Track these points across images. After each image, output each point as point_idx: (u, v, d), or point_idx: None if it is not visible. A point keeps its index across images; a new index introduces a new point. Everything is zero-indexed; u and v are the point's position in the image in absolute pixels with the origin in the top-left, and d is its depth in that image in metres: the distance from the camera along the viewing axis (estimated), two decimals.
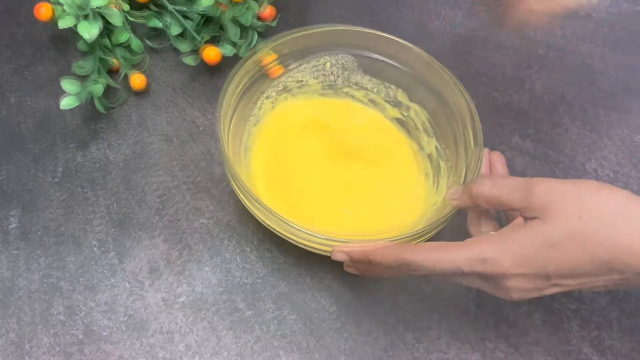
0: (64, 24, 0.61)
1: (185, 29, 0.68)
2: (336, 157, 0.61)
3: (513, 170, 0.65)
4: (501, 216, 0.61)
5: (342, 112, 0.64)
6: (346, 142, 0.63)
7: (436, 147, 0.60)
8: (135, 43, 0.68)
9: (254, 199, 0.49)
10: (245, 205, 0.52)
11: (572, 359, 0.56)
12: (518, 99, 0.71)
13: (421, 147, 0.62)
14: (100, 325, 0.54)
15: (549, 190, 0.44)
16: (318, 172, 0.60)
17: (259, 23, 0.69)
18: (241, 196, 0.52)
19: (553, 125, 0.69)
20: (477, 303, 0.57)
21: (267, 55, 0.59)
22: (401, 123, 0.63)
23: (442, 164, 0.59)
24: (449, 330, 0.56)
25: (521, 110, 0.70)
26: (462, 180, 0.54)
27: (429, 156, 0.61)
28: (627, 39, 0.76)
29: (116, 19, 0.64)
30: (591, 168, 0.66)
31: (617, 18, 0.78)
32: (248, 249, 0.58)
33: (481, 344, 0.56)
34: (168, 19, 0.69)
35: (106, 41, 0.66)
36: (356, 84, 0.63)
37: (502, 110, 0.70)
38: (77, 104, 0.61)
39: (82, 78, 0.64)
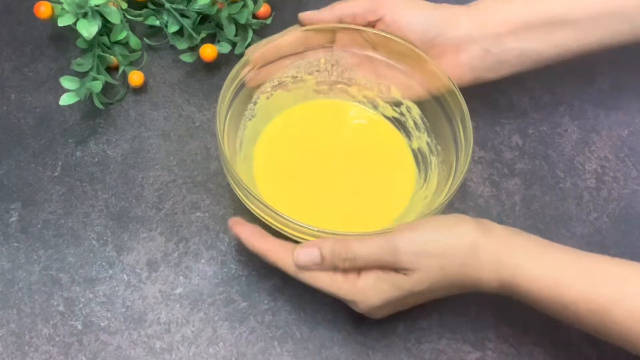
0: (63, 22, 0.65)
1: (182, 27, 0.72)
2: (332, 154, 0.66)
3: (513, 170, 0.69)
4: (502, 217, 0.67)
5: (337, 110, 0.69)
6: (342, 139, 0.68)
7: (428, 143, 0.65)
8: (134, 41, 0.72)
9: (250, 193, 0.54)
10: (241, 199, 0.57)
11: (572, 359, 0.60)
12: (518, 99, 0.75)
13: (414, 143, 0.66)
14: (98, 317, 0.59)
15: (413, 247, 0.51)
16: (314, 168, 0.65)
17: (255, 21, 0.73)
18: (237, 190, 0.56)
19: (553, 125, 0.73)
20: (477, 303, 0.61)
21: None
22: (396, 119, 0.67)
23: (433, 159, 0.64)
24: (449, 330, 0.60)
25: (521, 110, 0.74)
26: (451, 177, 0.60)
27: (421, 151, 0.65)
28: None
29: (115, 17, 0.68)
30: (591, 168, 0.70)
31: None
32: None
33: (481, 344, 0.60)
34: (165, 17, 0.73)
35: (105, 39, 0.70)
36: (350, 80, 0.68)
37: (502, 110, 0.74)
38: (76, 100, 0.65)
39: (81, 75, 0.69)
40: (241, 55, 0.64)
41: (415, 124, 0.66)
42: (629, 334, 0.48)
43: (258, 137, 0.66)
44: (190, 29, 0.72)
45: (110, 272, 0.62)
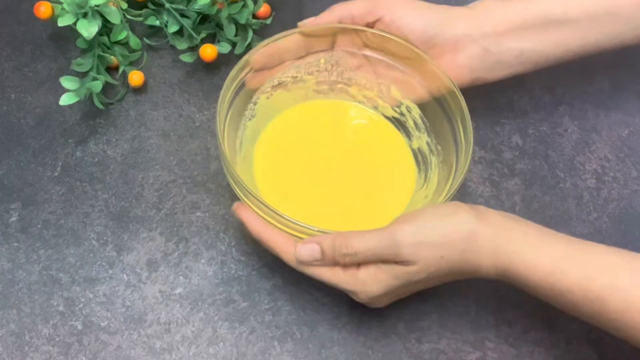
0: (63, 22, 0.65)
1: (182, 27, 0.72)
2: (332, 155, 0.66)
3: (513, 170, 0.70)
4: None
5: (337, 110, 0.69)
6: (342, 139, 0.68)
7: (428, 143, 0.65)
8: (134, 41, 0.72)
9: (250, 193, 0.54)
10: (241, 199, 0.57)
11: (572, 359, 0.60)
12: (518, 99, 0.75)
13: (414, 143, 0.66)
14: (98, 317, 0.59)
15: (412, 239, 0.52)
16: (314, 168, 0.65)
17: (254, 21, 0.73)
18: (237, 190, 0.57)
19: (553, 125, 0.73)
20: (477, 303, 0.62)
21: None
22: (396, 119, 0.67)
23: (433, 159, 0.64)
24: (449, 330, 0.60)
25: (521, 110, 0.74)
26: (451, 177, 0.60)
27: (421, 151, 0.66)
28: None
29: (115, 17, 0.68)
30: (591, 168, 0.70)
31: None
32: (243, 241, 0.63)
33: (481, 344, 0.60)
34: (165, 17, 0.73)
35: (105, 39, 0.70)
36: (350, 80, 0.68)
37: (502, 110, 0.74)
38: (76, 100, 0.65)
39: (81, 75, 0.69)
40: (241, 55, 0.64)
41: (415, 124, 0.66)
42: (624, 323, 0.49)
43: (258, 137, 0.66)
44: (190, 29, 0.72)
45: (110, 272, 0.62)
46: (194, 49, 0.74)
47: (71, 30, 0.67)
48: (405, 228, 0.52)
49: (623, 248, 0.65)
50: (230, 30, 0.73)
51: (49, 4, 0.68)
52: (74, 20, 0.66)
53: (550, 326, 0.61)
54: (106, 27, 0.71)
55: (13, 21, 0.77)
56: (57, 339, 0.58)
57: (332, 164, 0.66)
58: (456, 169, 0.59)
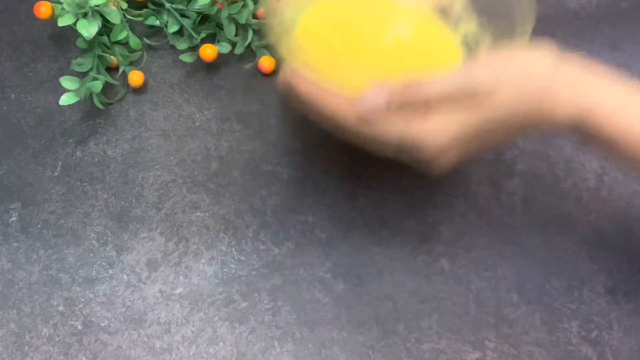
0: (63, 22, 0.66)
1: (182, 27, 0.72)
2: (374, 44, 0.62)
3: (513, 170, 0.69)
4: (502, 217, 0.67)
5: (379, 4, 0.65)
6: (382, 30, 0.63)
7: (478, 25, 0.61)
8: (134, 41, 0.72)
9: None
10: (286, 57, 0.52)
11: (572, 358, 0.60)
12: None
13: (460, 29, 0.62)
14: (98, 317, 0.59)
15: (492, 69, 0.48)
16: (357, 57, 0.60)
17: (254, 21, 0.73)
18: (284, 44, 0.52)
19: None
20: (477, 303, 0.62)
21: None
22: (440, 8, 0.63)
23: (484, 40, 0.60)
24: (449, 330, 0.60)
25: None
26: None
27: (467, 38, 0.61)
28: (627, 38, 0.80)
29: (115, 17, 0.68)
30: (591, 168, 0.70)
31: (617, 18, 0.81)
32: (243, 241, 0.63)
33: (481, 344, 0.60)
34: (165, 17, 0.73)
35: (105, 39, 0.70)
36: None
37: None
38: (76, 100, 0.66)
39: (81, 75, 0.69)
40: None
41: (462, 7, 0.63)
42: None
43: (294, 28, 0.61)
44: (190, 29, 0.72)
45: (110, 272, 0.62)
46: (194, 49, 0.73)
47: (71, 30, 0.67)
48: (481, 63, 0.48)
49: (623, 249, 0.65)
50: (230, 30, 0.73)
51: (49, 4, 0.68)
52: (74, 20, 0.67)
53: (550, 326, 0.61)
54: (106, 27, 0.71)
55: (13, 21, 0.77)
56: (57, 339, 0.58)
57: (375, 52, 0.61)
58: (515, 36, 0.55)
